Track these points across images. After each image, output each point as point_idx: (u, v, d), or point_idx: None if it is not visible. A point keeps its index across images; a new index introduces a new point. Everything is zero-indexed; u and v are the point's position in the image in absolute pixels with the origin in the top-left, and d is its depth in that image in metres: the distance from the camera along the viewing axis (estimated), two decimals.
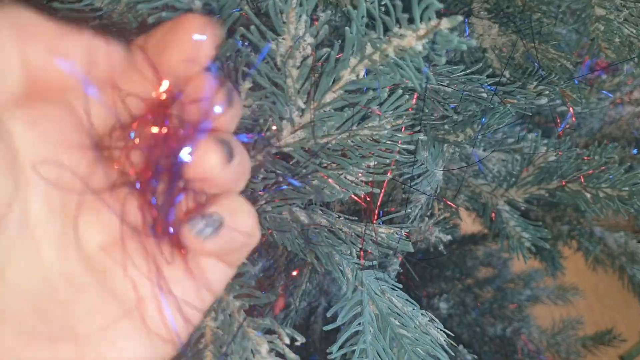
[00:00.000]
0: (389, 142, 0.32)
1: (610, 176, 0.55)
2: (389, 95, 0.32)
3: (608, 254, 0.99)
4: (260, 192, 0.37)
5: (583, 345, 1.16)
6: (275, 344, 0.30)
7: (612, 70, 0.83)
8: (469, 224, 0.93)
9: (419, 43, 0.25)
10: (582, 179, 0.50)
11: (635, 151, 0.83)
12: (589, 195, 0.57)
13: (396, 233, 0.35)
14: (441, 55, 0.23)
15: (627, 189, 0.54)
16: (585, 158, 0.58)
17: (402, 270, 0.56)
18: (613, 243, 0.99)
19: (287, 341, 0.29)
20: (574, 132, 0.82)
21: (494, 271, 1.19)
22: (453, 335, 0.41)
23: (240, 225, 0.25)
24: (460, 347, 0.76)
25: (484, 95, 0.43)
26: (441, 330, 0.40)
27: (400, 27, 0.26)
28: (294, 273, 0.52)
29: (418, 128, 0.31)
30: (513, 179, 0.60)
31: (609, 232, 0.99)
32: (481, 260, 1.18)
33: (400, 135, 0.31)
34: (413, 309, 0.39)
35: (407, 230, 0.35)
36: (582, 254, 0.96)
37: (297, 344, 0.29)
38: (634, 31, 0.47)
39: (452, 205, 0.49)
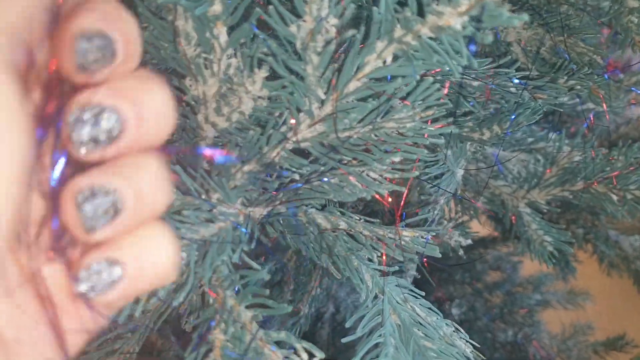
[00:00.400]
0: (417, 136, 0.29)
1: (638, 177, 0.52)
2: (418, 84, 0.29)
3: (623, 257, 0.97)
4: (273, 193, 0.34)
5: (594, 351, 1.14)
6: (291, 359, 0.27)
7: (627, 69, 0.80)
8: (478, 227, 0.90)
9: (459, 21, 0.22)
10: (614, 180, 0.47)
11: None
12: (615, 198, 0.54)
13: (422, 237, 0.32)
14: (489, 34, 0.20)
15: None
16: (610, 158, 0.55)
17: (419, 276, 0.53)
18: (628, 247, 0.96)
19: (306, 357, 0.26)
20: (592, 132, 0.79)
21: (502, 275, 1.16)
22: (479, 346, 0.38)
23: (149, 270, 0.20)
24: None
25: (513, 90, 0.40)
26: (467, 341, 0.37)
27: (437, 4, 0.23)
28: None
29: (451, 119, 0.27)
30: (535, 180, 0.57)
31: (624, 235, 0.96)
32: (490, 264, 1.16)
33: (430, 129, 0.28)
34: (437, 319, 0.36)
35: (434, 234, 0.32)
36: (593, 258, 0.93)
37: None
38: None
39: (480, 205, 0.46)
